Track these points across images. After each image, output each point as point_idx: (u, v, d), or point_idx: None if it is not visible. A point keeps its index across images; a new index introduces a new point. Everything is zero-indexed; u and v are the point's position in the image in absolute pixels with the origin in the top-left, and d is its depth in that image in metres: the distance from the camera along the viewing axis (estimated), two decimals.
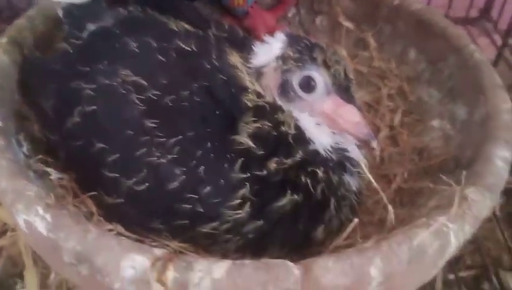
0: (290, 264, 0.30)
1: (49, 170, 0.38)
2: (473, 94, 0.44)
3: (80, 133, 0.36)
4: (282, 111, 0.37)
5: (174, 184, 0.34)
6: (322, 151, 0.36)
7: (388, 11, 0.54)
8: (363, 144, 0.38)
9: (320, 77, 0.37)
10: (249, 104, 0.36)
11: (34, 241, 0.33)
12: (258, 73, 0.39)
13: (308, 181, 0.35)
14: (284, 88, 0.37)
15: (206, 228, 0.34)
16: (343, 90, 0.38)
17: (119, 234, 0.34)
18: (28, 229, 0.32)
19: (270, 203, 0.35)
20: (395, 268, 0.31)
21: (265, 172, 0.35)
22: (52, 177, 0.38)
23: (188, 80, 0.37)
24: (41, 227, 0.31)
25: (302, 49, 0.38)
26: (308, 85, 0.37)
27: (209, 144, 0.34)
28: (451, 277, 0.48)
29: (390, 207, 0.34)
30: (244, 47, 0.40)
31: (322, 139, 0.37)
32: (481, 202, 0.34)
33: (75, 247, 0.30)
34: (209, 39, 0.41)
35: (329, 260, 0.30)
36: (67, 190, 0.38)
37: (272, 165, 0.35)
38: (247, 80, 0.37)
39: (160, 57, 0.38)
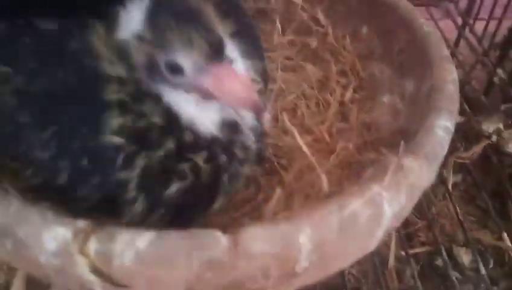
0: (218, 233, 0.29)
1: None
2: (421, 68, 0.44)
3: None
4: (150, 98, 0.34)
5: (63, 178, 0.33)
6: (205, 133, 0.34)
7: None
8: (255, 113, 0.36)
9: (186, 59, 0.32)
10: (112, 97, 0.33)
11: None
12: (124, 48, 0.34)
13: (190, 168, 0.34)
14: (151, 69, 0.33)
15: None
16: (217, 55, 0.33)
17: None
18: None
19: (160, 194, 0.34)
20: (325, 236, 0.30)
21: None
22: None
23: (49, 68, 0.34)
24: None
25: (163, 25, 0.32)
26: (175, 68, 0.33)
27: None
28: (404, 253, 0.48)
29: (323, 176, 0.34)
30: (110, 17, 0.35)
31: (203, 119, 0.34)
32: (417, 170, 0.34)
33: None
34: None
35: (257, 229, 0.30)
36: None
37: (140, 161, 0.33)
38: (108, 66, 0.34)
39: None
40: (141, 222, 0.34)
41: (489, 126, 0.53)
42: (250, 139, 0.37)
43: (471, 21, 0.67)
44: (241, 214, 0.41)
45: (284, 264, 0.31)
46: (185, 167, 0.34)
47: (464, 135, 0.54)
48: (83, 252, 0.29)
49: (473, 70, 0.63)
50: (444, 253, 0.47)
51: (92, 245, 0.28)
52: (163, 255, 0.29)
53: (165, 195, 0.34)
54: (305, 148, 0.36)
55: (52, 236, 0.29)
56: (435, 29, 0.46)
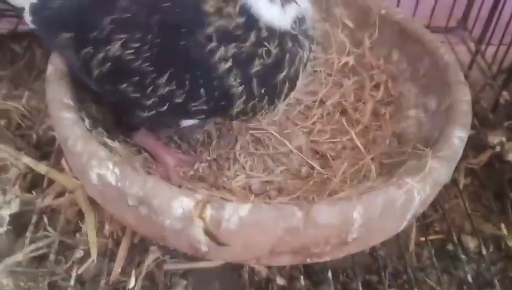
0: (295, 207, 0.41)
1: (106, 139, 0.50)
2: (441, 89, 0.55)
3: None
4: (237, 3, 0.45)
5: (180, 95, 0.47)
6: (278, 28, 0.46)
7: (376, 19, 0.65)
8: None
9: None
10: (211, 10, 0.45)
11: (103, 191, 0.43)
12: None
13: (265, 52, 0.46)
14: None
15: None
16: None
17: None
18: (99, 181, 0.43)
19: (249, 67, 0.46)
20: (371, 214, 0.42)
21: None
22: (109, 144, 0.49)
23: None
24: (111, 179, 0.42)
25: None
26: None
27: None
28: (422, 239, 0.60)
29: (373, 167, 0.45)
30: None
31: (280, 18, 0.46)
32: (439, 169, 0.45)
33: (137, 192, 0.41)
34: None
35: (324, 205, 0.41)
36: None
37: (232, 50, 0.45)
38: None
39: None
40: (246, 102, 0.47)
41: (494, 139, 0.63)
42: (310, 28, 0.49)
43: (483, 48, 0.78)
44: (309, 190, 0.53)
45: (341, 233, 0.42)
46: (262, 51, 0.45)
47: (474, 145, 0.65)
48: (200, 216, 0.40)
49: (483, 91, 0.75)
50: (455, 239, 0.58)
51: (208, 212, 0.40)
52: (257, 222, 0.40)
53: (252, 71, 0.46)
54: (358, 143, 0.47)
55: (179, 205, 0.40)
56: (454, 59, 0.57)
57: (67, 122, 0.46)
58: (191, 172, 0.56)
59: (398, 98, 0.61)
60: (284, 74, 0.48)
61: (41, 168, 0.58)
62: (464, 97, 0.52)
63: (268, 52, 0.46)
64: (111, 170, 0.42)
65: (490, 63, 0.76)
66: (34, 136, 0.62)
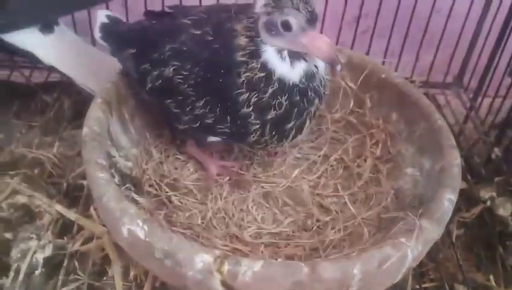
0: (302, 264, 0.46)
1: (134, 195, 0.56)
2: (435, 151, 0.61)
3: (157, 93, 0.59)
4: (260, 60, 0.54)
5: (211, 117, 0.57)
6: (288, 82, 0.54)
7: (377, 82, 0.72)
8: (331, 68, 0.55)
9: (294, 20, 0.51)
10: (241, 58, 0.54)
11: (132, 243, 0.49)
12: (257, 18, 0.54)
13: (277, 104, 0.55)
14: (270, 27, 0.53)
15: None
16: (312, 24, 0.52)
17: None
18: (129, 235, 0.48)
19: (265, 114, 0.55)
20: (369, 270, 0.47)
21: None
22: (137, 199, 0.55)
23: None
24: (140, 234, 0.47)
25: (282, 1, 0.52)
26: (287, 26, 0.52)
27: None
28: (418, 287, 0.65)
29: (365, 230, 0.51)
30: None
31: (290, 72, 0.54)
32: (430, 229, 0.50)
33: (164, 247, 0.47)
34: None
35: (327, 263, 0.47)
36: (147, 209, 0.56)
37: (253, 99, 0.54)
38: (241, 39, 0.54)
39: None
40: (259, 136, 0.57)
41: (486, 193, 0.69)
42: (320, 84, 0.57)
43: (479, 100, 0.85)
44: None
45: (342, 287, 0.48)
46: (276, 102, 0.54)
47: (466, 198, 0.70)
48: (219, 270, 0.46)
49: (476, 145, 0.81)
50: (448, 288, 0.63)
51: (225, 266, 0.46)
52: (268, 276, 0.46)
53: (267, 118, 0.55)
54: (353, 210, 0.53)
55: (200, 259, 0.46)
56: (445, 124, 0.63)
57: (102, 181, 0.52)
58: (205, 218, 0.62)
59: (396, 156, 0.67)
60: (291, 124, 0.57)
61: (72, 215, 0.64)
62: (454, 161, 0.58)
63: (281, 104, 0.55)
64: (140, 227, 0.48)
65: (483, 119, 0.82)
66: (65, 184, 0.68)
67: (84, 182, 0.68)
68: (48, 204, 0.64)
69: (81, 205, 0.66)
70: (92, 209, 0.64)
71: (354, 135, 0.72)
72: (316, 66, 0.56)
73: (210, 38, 0.55)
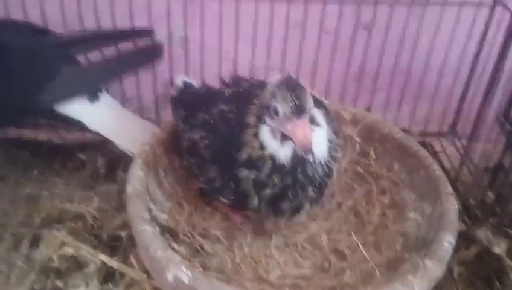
0: None
1: (173, 244, 0.64)
2: (434, 198, 0.69)
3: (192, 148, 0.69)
4: (259, 143, 0.61)
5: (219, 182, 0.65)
6: (281, 162, 0.61)
7: (380, 136, 0.81)
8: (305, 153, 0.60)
9: (281, 108, 0.58)
10: (248, 137, 0.62)
11: (177, 287, 0.57)
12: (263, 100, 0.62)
13: (271, 183, 0.62)
14: (265, 110, 0.61)
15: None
16: (298, 114, 0.57)
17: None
18: (174, 280, 0.56)
19: (262, 194, 0.63)
20: None
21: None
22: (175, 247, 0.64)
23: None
24: (185, 279, 0.55)
25: (277, 89, 0.59)
26: (276, 111, 0.59)
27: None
28: None
29: (377, 271, 0.59)
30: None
31: (282, 153, 0.61)
32: (433, 268, 0.58)
33: None
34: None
35: None
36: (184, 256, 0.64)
37: (252, 176, 0.62)
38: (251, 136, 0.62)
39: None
40: (257, 208, 0.64)
41: (482, 234, 0.77)
42: (315, 171, 0.63)
43: (470, 151, 0.94)
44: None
45: None
46: (270, 182, 0.62)
47: (465, 238, 0.78)
48: None
49: (472, 188, 0.89)
50: None
51: None
52: None
53: (264, 195, 0.63)
54: (365, 254, 0.62)
55: None
56: (443, 173, 0.71)
57: (148, 233, 0.60)
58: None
59: (400, 202, 0.76)
60: (286, 205, 0.64)
61: (114, 263, 0.71)
62: (452, 206, 0.67)
63: (274, 183, 0.62)
64: (185, 273, 0.56)
65: (477, 164, 0.91)
66: (105, 235, 0.76)
67: (122, 233, 0.76)
68: (93, 254, 0.72)
69: (120, 254, 0.74)
70: (131, 257, 0.72)
71: (362, 184, 0.80)
72: (312, 155, 0.61)
73: (232, 115, 0.65)
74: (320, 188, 0.65)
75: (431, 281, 0.59)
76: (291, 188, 0.62)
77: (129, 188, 0.66)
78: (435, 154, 0.96)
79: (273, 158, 0.61)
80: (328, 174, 0.65)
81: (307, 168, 0.62)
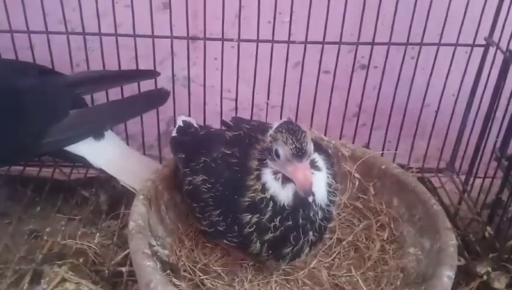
0: None
1: (174, 280, 0.65)
2: (433, 233, 0.70)
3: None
4: (261, 185, 0.63)
5: (222, 226, 0.65)
6: (282, 203, 0.62)
7: (378, 172, 0.82)
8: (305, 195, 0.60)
9: (282, 151, 0.59)
10: (250, 181, 0.63)
11: None
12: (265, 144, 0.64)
13: (273, 226, 0.63)
14: (268, 152, 0.62)
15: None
16: (299, 157, 0.58)
17: None
18: None
19: (264, 235, 0.63)
20: None
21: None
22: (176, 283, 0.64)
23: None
24: None
25: (278, 132, 0.60)
26: (277, 154, 0.60)
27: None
28: None
29: None
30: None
31: (283, 194, 0.62)
32: None
33: None
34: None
35: None
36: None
37: (255, 218, 0.63)
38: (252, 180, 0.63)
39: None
40: (259, 253, 0.65)
41: (482, 269, 0.77)
42: (315, 213, 0.63)
43: (471, 180, 0.95)
44: None
45: None
46: (272, 225, 0.62)
47: (465, 273, 0.78)
48: None
49: (471, 225, 0.90)
50: None
51: None
52: None
53: (265, 239, 0.63)
54: (363, 287, 0.62)
55: None
56: (441, 209, 0.72)
57: (149, 269, 0.61)
58: None
59: (400, 237, 0.76)
60: (288, 249, 0.65)
61: None
62: (450, 241, 0.67)
63: (276, 227, 0.63)
64: None
65: (476, 200, 0.92)
66: (106, 271, 0.77)
67: (123, 269, 0.77)
68: None
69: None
70: None
71: (362, 219, 0.81)
72: (312, 196, 0.61)
73: (234, 160, 0.66)
74: (320, 231, 0.66)
75: None
76: (293, 231, 0.63)
77: (131, 224, 0.67)
78: (433, 190, 0.97)
79: (274, 200, 0.62)
80: (328, 218, 0.66)
81: (307, 210, 0.63)
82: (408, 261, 0.72)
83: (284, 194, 0.62)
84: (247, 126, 0.72)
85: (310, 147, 0.60)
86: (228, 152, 0.67)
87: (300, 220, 0.63)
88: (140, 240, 0.65)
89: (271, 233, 0.63)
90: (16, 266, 0.76)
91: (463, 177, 0.98)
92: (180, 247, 0.75)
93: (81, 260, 0.78)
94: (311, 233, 0.64)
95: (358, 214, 0.83)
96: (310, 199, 0.61)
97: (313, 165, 0.63)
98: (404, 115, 0.96)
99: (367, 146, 0.97)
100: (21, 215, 0.87)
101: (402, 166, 0.84)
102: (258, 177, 0.63)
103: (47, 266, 0.76)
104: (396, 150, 0.98)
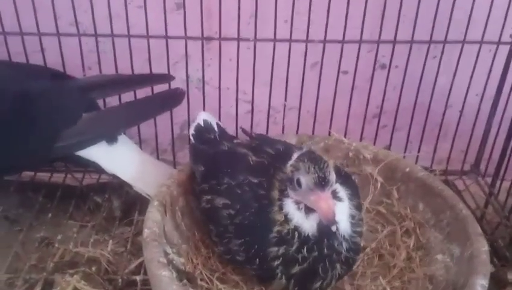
0: None
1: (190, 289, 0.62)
2: (463, 239, 0.66)
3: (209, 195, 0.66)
4: (286, 218, 0.60)
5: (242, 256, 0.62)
6: (307, 233, 0.60)
7: (402, 175, 0.78)
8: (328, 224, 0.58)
9: (304, 180, 0.58)
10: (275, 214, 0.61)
11: None
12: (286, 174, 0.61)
13: (301, 257, 0.60)
14: (290, 182, 0.60)
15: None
16: (321, 187, 0.57)
17: None
18: None
19: (291, 268, 0.60)
20: None
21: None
22: None
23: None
24: None
25: (300, 162, 0.59)
26: (299, 183, 0.58)
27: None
28: None
29: None
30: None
31: (307, 224, 0.60)
32: None
33: None
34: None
35: None
36: None
37: (282, 250, 0.60)
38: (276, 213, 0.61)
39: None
40: (283, 289, 0.62)
41: None
42: (340, 244, 0.61)
43: (497, 184, 0.91)
44: None
45: None
46: (300, 256, 0.59)
47: (496, 281, 0.74)
48: None
49: (498, 228, 0.86)
50: None
51: None
52: None
53: (292, 272, 0.60)
54: None
55: None
56: (470, 213, 0.69)
57: (165, 279, 0.58)
58: None
59: (427, 243, 0.73)
60: (317, 285, 0.61)
61: None
62: (482, 248, 0.63)
63: (303, 258, 0.60)
64: None
65: (503, 203, 0.88)
66: (120, 280, 0.74)
67: (137, 278, 0.74)
68: None
69: None
70: None
71: (385, 225, 0.78)
72: (336, 227, 0.59)
73: (262, 191, 0.63)
74: (348, 264, 0.63)
75: None
76: (320, 263, 0.60)
77: (145, 231, 0.64)
78: (458, 194, 0.93)
79: (299, 231, 0.60)
80: (355, 249, 0.64)
81: (332, 240, 0.61)
82: (436, 269, 0.69)
83: (308, 225, 0.60)
84: (272, 152, 0.69)
85: (333, 176, 0.58)
86: (255, 181, 0.64)
87: (325, 250, 0.60)
88: (155, 249, 0.62)
89: (298, 266, 0.60)
90: (26, 275, 0.73)
91: (488, 180, 0.93)
92: (197, 254, 0.72)
93: (93, 269, 0.75)
94: (338, 266, 0.62)
95: (381, 219, 0.79)
96: (334, 228, 0.59)
97: (335, 196, 0.61)
98: (426, 116, 0.92)
99: (388, 148, 0.93)
100: (32, 222, 0.84)
101: (425, 168, 0.80)
102: (281, 208, 0.61)
103: (58, 275, 0.73)
104: (418, 152, 0.94)
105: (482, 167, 0.98)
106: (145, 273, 0.68)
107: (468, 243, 0.65)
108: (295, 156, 0.61)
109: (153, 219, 0.66)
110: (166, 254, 0.64)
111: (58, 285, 0.71)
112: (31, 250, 0.80)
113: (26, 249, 0.80)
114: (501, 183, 0.93)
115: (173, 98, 0.81)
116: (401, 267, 0.72)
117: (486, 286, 0.59)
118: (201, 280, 0.68)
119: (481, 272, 0.60)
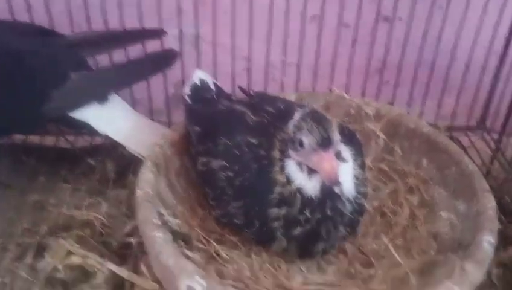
0: None
1: (186, 252, 0.59)
2: (469, 195, 0.64)
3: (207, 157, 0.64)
4: (287, 177, 0.58)
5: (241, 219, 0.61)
6: (309, 195, 0.57)
7: (405, 131, 0.75)
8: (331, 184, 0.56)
9: (307, 140, 0.55)
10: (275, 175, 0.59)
11: None
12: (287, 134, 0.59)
13: (304, 219, 0.58)
14: (291, 142, 0.57)
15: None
16: (324, 147, 0.55)
17: None
18: None
19: (292, 229, 0.58)
20: None
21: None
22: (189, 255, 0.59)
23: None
24: (199, 289, 0.51)
25: (303, 121, 0.57)
26: (301, 143, 0.56)
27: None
28: None
29: (411, 276, 0.54)
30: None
31: (310, 185, 0.58)
32: (473, 272, 0.53)
33: None
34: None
35: None
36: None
37: (283, 211, 0.58)
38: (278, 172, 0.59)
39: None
40: (284, 250, 0.60)
41: None
42: (343, 205, 0.59)
43: (502, 146, 0.88)
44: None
45: None
46: (302, 218, 0.58)
47: (503, 238, 0.72)
48: None
49: (505, 185, 0.83)
50: None
51: None
52: None
53: (294, 234, 0.59)
54: (398, 257, 0.56)
55: None
56: (476, 169, 0.66)
57: (159, 240, 0.55)
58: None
59: (431, 201, 0.70)
60: (319, 244, 0.60)
61: (124, 273, 0.67)
62: (489, 204, 0.61)
63: (306, 220, 0.58)
64: (199, 282, 0.51)
65: (510, 160, 0.85)
66: (114, 243, 0.72)
67: (132, 240, 0.71)
68: (101, 263, 0.67)
69: (130, 263, 0.69)
70: (142, 266, 0.67)
71: (388, 182, 0.75)
72: (339, 188, 0.58)
73: (262, 152, 0.60)
74: (352, 226, 0.62)
75: (472, 287, 0.53)
76: (323, 224, 0.58)
77: (138, 192, 0.61)
78: (463, 150, 0.90)
79: (301, 192, 0.58)
80: (359, 211, 0.62)
81: (335, 202, 0.58)
82: (441, 227, 0.66)
83: (311, 186, 0.58)
84: (272, 111, 0.65)
85: (336, 136, 0.56)
86: (254, 142, 0.61)
87: (328, 212, 0.58)
88: (148, 210, 0.59)
89: (300, 227, 0.58)
90: (19, 239, 0.71)
91: (495, 136, 0.90)
92: (192, 216, 0.69)
93: (87, 232, 0.73)
94: (341, 228, 0.60)
95: (384, 177, 0.76)
96: (337, 189, 0.57)
97: (339, 157, 0.58)
98: (431, 70, 0.89)
99: (391, 104, 0.90)
100: (24, 186, 0.82)
101: (429, 124, 0.77)
102: (282, 169, 0.58)
103: (52, 239, 0.71)
104: (423, 107, 0.91)
105: (488, 123, 0.94)
106: (141, 235, 0.66)
107: (474, 199, 0.62)
108: (297, 115, 0.59)
109: (146, 180, 0.63)
110: (160, 215, 0.61)
111: (52, 249, 0.69)
112: (24, 214, 0.77)
113: (19, 213, 0.77)
114: (507, 140, 0.90)
115: (166, 59, 0.78)
116: (404, 225, 0.69)
117: (494, 243, 0.56)
118: (197, 241, 0.66)
119: (488, 228, 0.58)
